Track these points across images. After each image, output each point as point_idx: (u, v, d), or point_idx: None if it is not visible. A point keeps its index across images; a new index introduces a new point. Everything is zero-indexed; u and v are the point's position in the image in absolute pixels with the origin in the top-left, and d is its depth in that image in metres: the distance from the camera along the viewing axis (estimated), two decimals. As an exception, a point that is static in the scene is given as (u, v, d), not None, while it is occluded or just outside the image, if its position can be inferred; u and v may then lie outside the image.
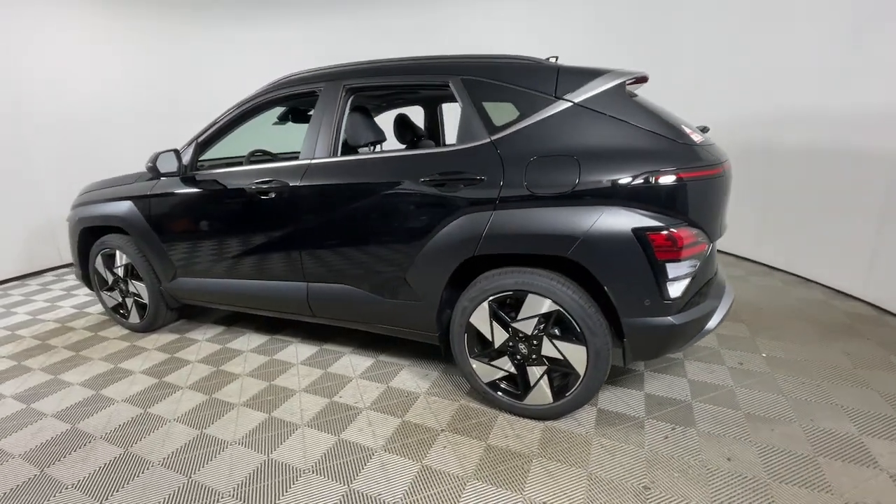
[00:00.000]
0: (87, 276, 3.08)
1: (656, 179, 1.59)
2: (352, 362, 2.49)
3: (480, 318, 1.90)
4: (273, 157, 2.91)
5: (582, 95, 1.74)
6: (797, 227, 3.45)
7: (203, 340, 2.85)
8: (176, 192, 2.52)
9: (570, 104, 1.75)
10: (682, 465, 1.65)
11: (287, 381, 2.32)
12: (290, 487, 1.62)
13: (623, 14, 4.70)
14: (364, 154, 2.17)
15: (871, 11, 2.81)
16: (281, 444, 1.85)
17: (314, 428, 1.95)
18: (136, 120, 5.23)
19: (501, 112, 1.87)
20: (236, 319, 3.16)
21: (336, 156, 2.16)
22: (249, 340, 2.82)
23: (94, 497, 1.61)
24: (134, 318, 2.94)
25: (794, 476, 1.58)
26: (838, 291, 3.19)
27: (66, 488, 1.66)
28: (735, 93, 3.84)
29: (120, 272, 2.87)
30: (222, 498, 1.58)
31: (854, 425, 1.83)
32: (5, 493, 1.65)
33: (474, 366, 1.97)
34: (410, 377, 2.32)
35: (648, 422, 1.91)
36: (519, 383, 1.92)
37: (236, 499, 1.58)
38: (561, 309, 1.74)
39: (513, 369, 1.90)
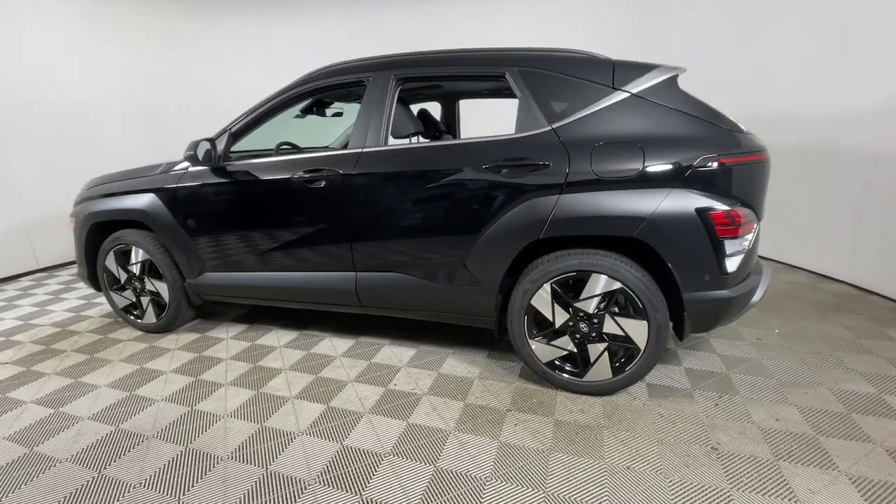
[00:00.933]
0: (94, 276, 2.89)
1: (714, 163, 1.73)
2: (394, 352, 2.49)
3: (541, 300, 1.97)
4: (301, 150, 2.86)
5: (639, 87, 1.86)
6: (783, 218, 3.77)
7: (228, 338, 2.75)
8: (208, 182, 2.43)
9: (627, 94, 1.87)
10: (740, 428, 1.79)
11: (334, 373, 2.29)
12: (375, 471, 1.61)
13: (617, 14, 4.96)
14: (421, 143, 2.20)
15: (848, 25, 3.15)
16: (351, 431, 1.84)
17: (379, 414, 1.94)
18: (119, 117, 4.94)
19: (556, 103, 1.96)
20: (257, 316, 3.07)
21: (387, 145, 2.17)
22: (279, 336, 2.74)
23: (169, 494, 1.54)
24: (149, 317, 2.79)
25: (837, 431, 1.76)
26: (823, 275, 3.52)
27: (134, 487, 1.58)
28: (723, 94, 4.15)
29: (135, 269, 2.72)
30: (309, 486, 1.56)
31: (872, 386, 2.05)
32: (66, 497, 1.54)
33: (533, 346, 2.04)
34: (458, 363, 2.35)
35: (696, 392, 2.05)
36: (578, 361, 2.00)
37: (324, 485, 1.56)
38: (625, 287, 1.84)
39: (573, 348, 1.99)
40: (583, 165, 1.83)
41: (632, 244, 1.89)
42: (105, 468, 1.67)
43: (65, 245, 4.61)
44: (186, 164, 2.52)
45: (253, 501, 1.49)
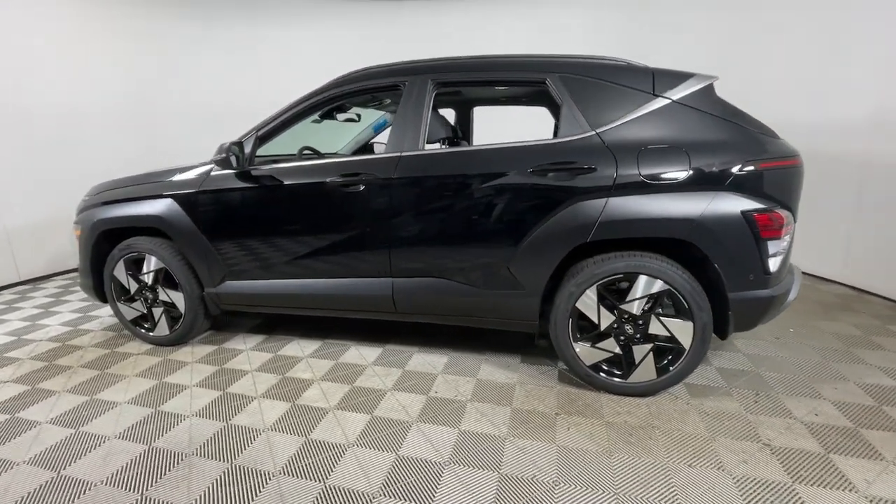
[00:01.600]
0: (100, 287, 2.72)
1: (756, 168, 1.80)
2: (426, 360, 2.45)
3: (587, 303, 1.98)
4: (322, 155, 2.81)
5: (678, 94, 1.93)
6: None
7: (248, 350, 2.64)
8: (234, 187, 2.35)
9: (668, 101, 1.92)
10: (784, 424, 1.84)
11: (369, 382, 2.23)
12: (439, 480, 1.57)
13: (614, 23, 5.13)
14: (463, 147, 2.19)
15: (839, 39, 3.37)
16: (403, 440, 1.79)
17: (428, 422, 1.90)
18: (106, 121, 4.72)
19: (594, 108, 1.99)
20: (273, 326, 2.96)
21: (425, 149, 2.16)
22: (301, 346, 2.65)
23: (225, 513, 1.45)
24: (162, 330, 2.65)
25: (873, 423, 1.84)
26: (819, 277, 3.70)
27: (185, 509, 1.48)
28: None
29: (148, 279, 2.58)
30: (375, 497, 1.50)
31: (892, 379, 2.16)
32: (112, 523, 1.43)
33: (577, 350, 2.05)
34: (494, 369, 2.34)
35: (733, 390, 2.10)
36: (623, 363, 2.02)
37: (389, 497, 1.50)
38: (671, 288, 1.88)
39: (618, 350, 2.01)
40: (630, 169, 1.87)
41: (674, 246, 1.94)
42: (148, 490, 1.56)
43: (50, 255, 4.34)
44: (208, 167, 2.43)
45: (319, 517, 1.43)
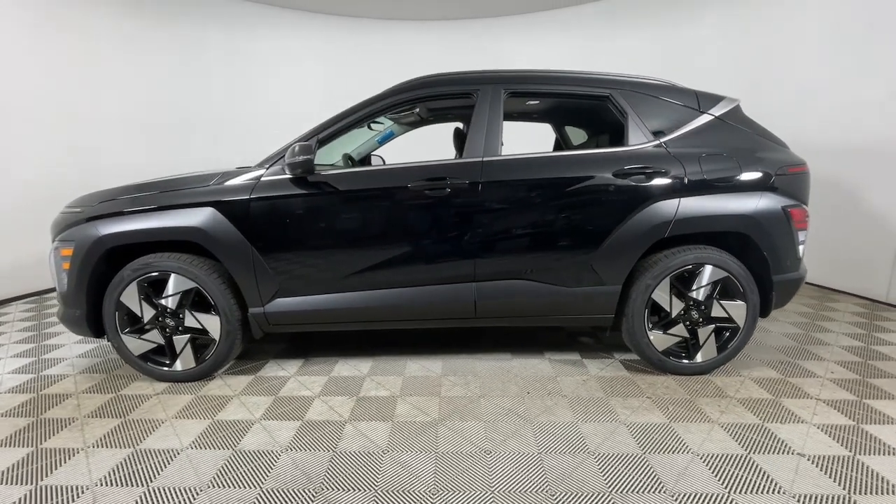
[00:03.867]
0: (95, 318, 2.22)
1: (788, 172, 2.22)
2: (502, 366, 2.45)
3: (661, 293, 2.20)
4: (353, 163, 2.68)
5: (719, 111, 2.29)
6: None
7: (293, 375, 2.36)
8: (296, 193, 2.14)
9: (712, 117, 2.28)
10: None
11: (455, 392, 2.17)
12: (613, 471, 1.61)
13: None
14: (549, 152, 2.29)
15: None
16: (550, 442, 1.78)
17: (587, 422, 1.92)
18: (56, 120, 3.88)
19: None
20: (305, 349, 2.69)
21: (500, 154, 2.22)
22: (353, 366, 2.46)
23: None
24: (184, 362, 2.24)
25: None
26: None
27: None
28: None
29: (170, 303, 2.18)
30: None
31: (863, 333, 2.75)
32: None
33: (651, 337, 2.25)
34: (558, 365, 2.43)
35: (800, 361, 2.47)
36: (689, 345, 2.27)
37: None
38: (730, 275, 2.18)
39: (686, 334, 2.25)
40: (697, 174, 2.16)
41: (728, 238, 2.26)
42: (299, 534, 1.34)
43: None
44: (257, 172, 2.18)
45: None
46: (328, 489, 1.51)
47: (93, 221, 2.17)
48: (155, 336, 2.23)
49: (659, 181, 2.16)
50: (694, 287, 2.20)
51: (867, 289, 3.59)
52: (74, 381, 2.32)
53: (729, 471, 1.58)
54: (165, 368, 2.26)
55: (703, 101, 2.31)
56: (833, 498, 1.45)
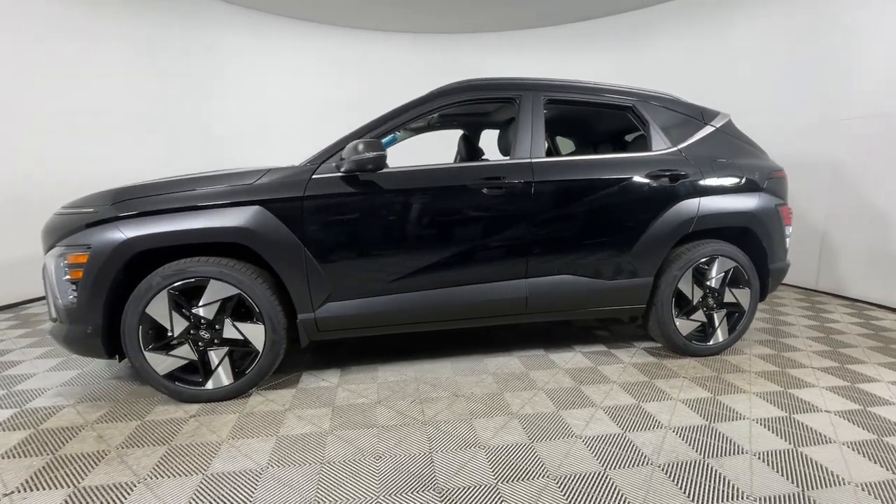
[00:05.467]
0: (110, 335, 1.91)
1: (777, 176, 2.61)
2: (543, 361, 2.52)
3: (685, 283, 2.46)
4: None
5: (718, 123, 2.64)
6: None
7: (339, 385, 2.23)
8: (352, 191, 2.05)
9: (714, 128, 2.62)
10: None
11: (522, 385, 2.21)
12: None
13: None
14: (590, 155, 2.45)
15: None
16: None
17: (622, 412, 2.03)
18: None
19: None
20: (339, 359, 2.54)
21: (543, 156, 2.34)
22: (397, 370, 2.39)
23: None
24: (221, 379, 2.01)
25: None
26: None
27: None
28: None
29: (206, 312, 1.96)
30: None
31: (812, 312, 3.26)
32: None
33: (677, 324, 2.49)
34: (592, 357, 2.59)
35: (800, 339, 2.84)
36: (707, 330, 2.55)
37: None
38: (738, 265, 2.50)
39: (704, 319, 2.53)
40: (711, 177, 2.46)
41: (732, 232, 2.58)
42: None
43: None
44: (307, 168, 2.07)
45: None
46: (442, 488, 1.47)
47: (113, 223, 1.89)
48: (185, 351, 1.99)
49: (682, 183, 2.42)
50: (711, 276, 2.49)
51: (801, 279, 4.27)
52: (77, 411, 1.96)
53: (785, 430, 1.81)
54: (198, 387, 2.01)
55: (706, 114, 2.65)
56: (868, 441, 1.73)
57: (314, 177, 2.06)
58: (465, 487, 1.47)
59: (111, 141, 4.32)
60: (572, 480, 1.51)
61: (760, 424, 1.86)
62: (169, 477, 1.53)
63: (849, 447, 1.70)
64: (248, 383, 2.06)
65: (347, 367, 2.46)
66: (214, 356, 2.01)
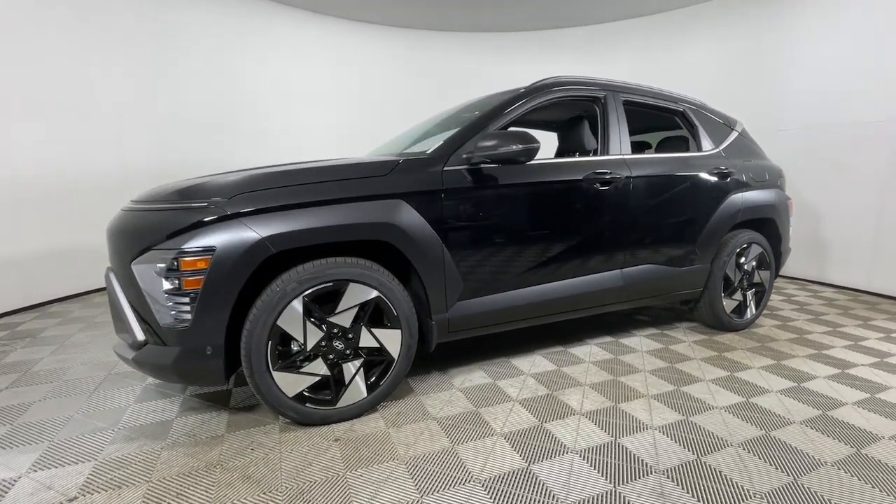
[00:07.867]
0: (231, 354, 1.58)
1: (784, 174, 3.12)
2: (621, 347, 2.68)
3: (729, 268, 2.82)
4: None
5: (739, 129, 3.07)
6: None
7: (458, 389, 2.12)
8: (488, 185, 1.98)
9: (738, 133, 3.03)
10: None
11: (632, 369, 2.33)
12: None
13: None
14: (670, 153, 2.68)
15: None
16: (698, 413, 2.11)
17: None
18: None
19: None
20: (440, 362, 2.40)
21: (629, 153, 2.50)
22: (529, 361, 2.35)
23: None
24: (354, 394, 1.79)
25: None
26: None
27: None
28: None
29: (343, 320, 1.72)
30: None
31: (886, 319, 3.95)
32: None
33: (725, 303, 2.84)
34: (655, 339, 2.83)
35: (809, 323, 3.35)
36: (741, 307, 2.95)
37: (802, 420, 1.86)
38: (764, 250, 2.95)
39: (743, 298, 2.92)
40: (747, 174, 2.85)
41: (757, 222, 3.01)
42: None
43: None
44: (436, 159, 1.94)
45: None
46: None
47: (238, 219, 1.57)
48: (317, 367, 1.73)
49: (731, 179, 2.77)
50: (747, 260, 2.88)
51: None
52: (186, 447, 1.59)
53: (852, 382, 2.21)
54: (329, 406, 1.76)
55: (730, 120, 3.06)
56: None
57: (447, 169, 1.94)
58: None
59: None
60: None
61: (832, 380, 2.23)
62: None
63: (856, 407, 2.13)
64: (382, 395, 1.87)
65: (453, 365, 2.35)
66: (351, 368, 1.79)
